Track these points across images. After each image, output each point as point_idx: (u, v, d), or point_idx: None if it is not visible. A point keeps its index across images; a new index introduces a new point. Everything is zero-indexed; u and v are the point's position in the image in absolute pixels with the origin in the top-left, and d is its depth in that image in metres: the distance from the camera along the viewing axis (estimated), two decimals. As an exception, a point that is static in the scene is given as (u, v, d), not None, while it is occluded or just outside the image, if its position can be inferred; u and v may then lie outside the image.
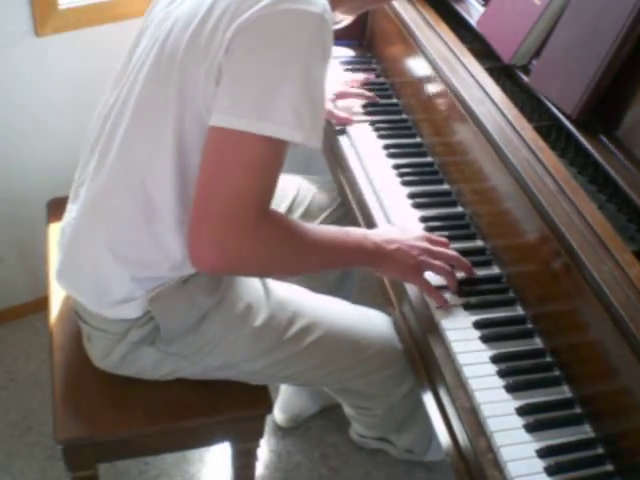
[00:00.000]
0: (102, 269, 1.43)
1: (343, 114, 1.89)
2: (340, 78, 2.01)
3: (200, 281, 1.45)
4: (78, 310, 1.52)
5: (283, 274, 1.46)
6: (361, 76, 2.05)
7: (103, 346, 1.50)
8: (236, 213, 1.22)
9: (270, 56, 1.20)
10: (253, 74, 1.21)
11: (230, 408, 1.54)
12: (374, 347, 1.58)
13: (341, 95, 1.95)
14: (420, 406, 1.59)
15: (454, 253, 1.47)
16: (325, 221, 1.86)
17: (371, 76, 2.07)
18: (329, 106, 1.86)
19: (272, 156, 1.23)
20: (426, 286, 1.43)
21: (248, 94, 1.20)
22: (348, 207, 1.78)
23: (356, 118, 1.92)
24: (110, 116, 1.41)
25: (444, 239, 1.51)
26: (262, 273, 1.47)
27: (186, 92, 1.28)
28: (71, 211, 1.50)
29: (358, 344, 1.57)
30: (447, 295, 1.43)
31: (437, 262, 1.44)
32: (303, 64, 1.21)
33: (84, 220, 1.45)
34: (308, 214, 1.86)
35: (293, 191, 1.87)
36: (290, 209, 1.84)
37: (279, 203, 1.82)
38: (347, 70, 2.11)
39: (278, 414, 2.17)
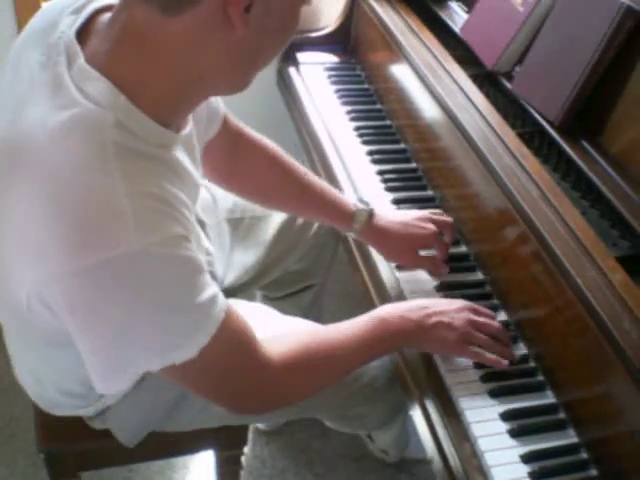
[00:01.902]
0: (34, 383, 1.37)
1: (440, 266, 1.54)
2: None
3: (153, 382, 1.31)
4: None
5: (331, 384, 1.31)
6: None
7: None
8: (242, 392, 1.17)
9: (112, 319, 0.98)
10: (111, 340, 1.00)
11: (214, 415, 1.53)
12: (366, 376, 1.50)
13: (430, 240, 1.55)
14: (402, 409, 1.59)
15: (498, 325, 1.37)
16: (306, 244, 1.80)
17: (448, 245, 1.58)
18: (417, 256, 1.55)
19: (216, 349, 1.05)
20: (476, 356, 1.33)
21: (123, 355, 1.02)
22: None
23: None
24: None
25: (488, 311, 1.39)
26: (305, 399, 1.32)
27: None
28: None
29: (349, 376, 1.43)
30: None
31: (482, 335, 1.33)
32: (153, 305, 0.98)
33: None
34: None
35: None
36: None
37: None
38: (331, 77, 2.11)
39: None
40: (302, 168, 1.57)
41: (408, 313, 1.31)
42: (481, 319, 1.35)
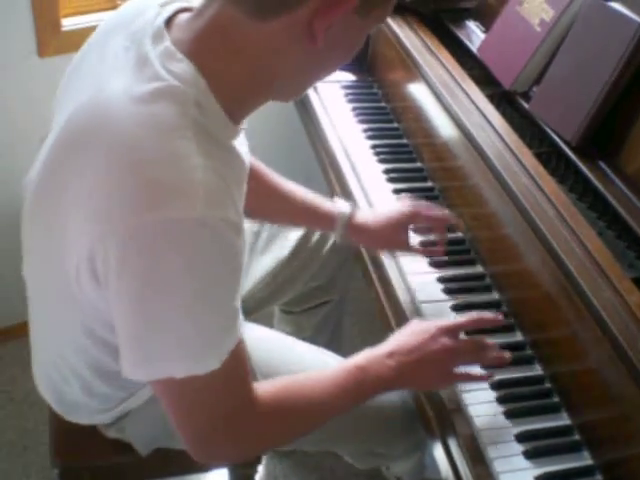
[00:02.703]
0: (61, 390, 1.36)
1: (428, 250, 1.60)
2: (401, 206, 1.64)
3: None
4: None
5: (308, 433, 1.28)
6: (425, 206, 1.63)
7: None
8: (222, 431, 1.13)
9: (154, 290, 0.98)
10: (145, 318, 1.00)
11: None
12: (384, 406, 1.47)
13: (410, 220, 1.60)
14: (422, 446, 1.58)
15: (474, 341, 1.33)
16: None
17: (446, 214, 1.62)
18: (403, 240, 1.59)
19: (220, 375, 1.04)
20: (467, 379, 1.32)
21: (148, 343, 1.02)
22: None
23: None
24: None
25: (461, 321, 1.33)
26: (283, 445, 1.37)
27: (56, 268, 1.10)
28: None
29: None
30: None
31: (466, 356, 1.29)
32: (195, 287, 0.98)
33: (34, 342, 1.39)
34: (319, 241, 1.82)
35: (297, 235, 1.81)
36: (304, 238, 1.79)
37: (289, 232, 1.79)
38: (348, 95, 2.12)
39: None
40: (280, 178, 1.59)
41: (386, 360, 1.26)
42: (457, 343, 1.29)
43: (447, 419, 1.30)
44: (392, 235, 1.58)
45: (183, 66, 1.00)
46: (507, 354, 1.31)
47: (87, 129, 1.03)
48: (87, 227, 0.99)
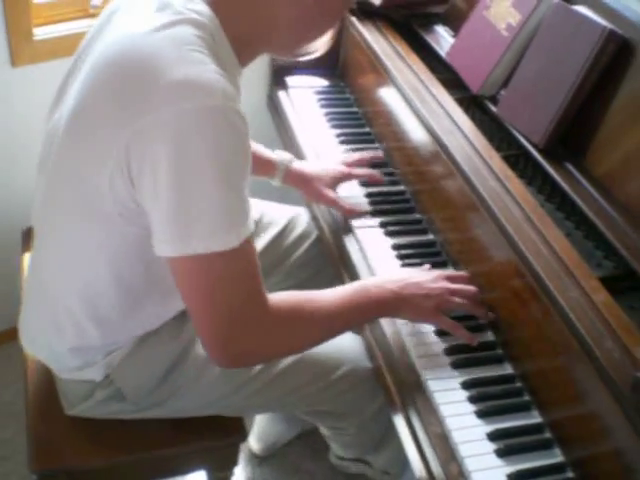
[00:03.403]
0: (50, 339, 1.43)
1: (348, 205, 1.75)
2: (339, 158, 1.86)
3: (159, 336, 1.45)
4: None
5: (311, 347, 1.42)
6: (366, 154, 1.88)
7: (71, 399, 1.50)
8: (235, 322, 1.22)
9: (185, 169, 1.11)
10: (172, 195, 1.13)
11: (205, 437, 1.54)
12: (344, 366, 1.58)
13: (345, 178, 1.80)
14: (394, 426, 1.61)
15: (473, 289, 1.45)
16: (307, 251, 1.87)
17: (379, 154, 1.91)
18: (332, 195, 1.75)
19: (234, 261, 1.18)
20: (451, 326, 1.41)
21: (176, 217, 1.14)
22: (322, 236, 1.80)
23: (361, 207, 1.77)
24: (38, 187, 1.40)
25: (462, 274, 1.49)
26: (288, 355, 1.48)
27: (89, 195, 1.24)
28: (29, 264, 1.50)
29: (328, 366, 1.57)
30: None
31: (457, 299, 1.42)
32: (220, 166, 1.13)
33: (31, 286, 1.47)
34: (294, 244, 1.87)
35: (283, 221, 1.88)
36: (278, 238, 1.85)
37: (267, 229, 1.83)
38: (321, 100, 2.13)
39: (254, 443, 2.17)
40: None
41: (387, 284, 1.41)
42: (454, 286, 1.44)
43: (415, 412, 1.33)
44: (322, 189, 1.75)
45: (200, 7, 1.19)
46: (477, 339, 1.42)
47: (116, 58, 1.18)
48: (122, 131, 1.13)
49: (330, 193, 1.76)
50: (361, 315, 1.41)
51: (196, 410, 1.54)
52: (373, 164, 1.86)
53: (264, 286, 1.25)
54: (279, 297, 1.30)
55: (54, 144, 1.31)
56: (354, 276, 1.60)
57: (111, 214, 1.23)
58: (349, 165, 1.82)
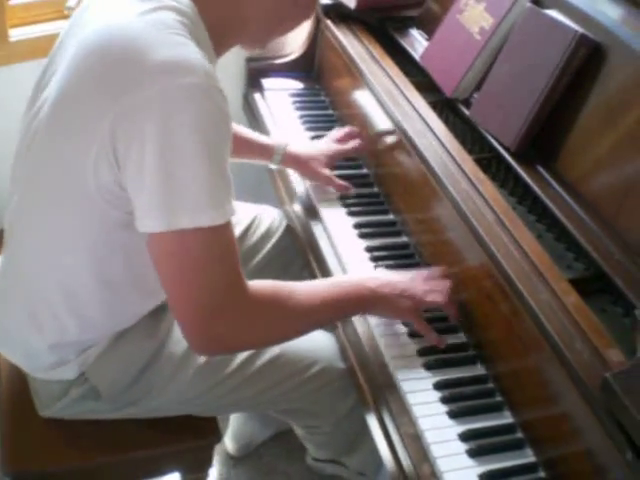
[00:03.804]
0: (27, 339, 1.42)
1: (341, 183, 1.81)
2: (330, 135, 1.93)
3: (135, 333, 1.46)
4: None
5: (288, 339, 1.43)
6: (350, 128, 1.95)
7: (45, 399, 1.49)
8: (213, 306, 1.22)
9: (165, 146, 1.13)
10: (154, 170, 1.14)
11: (179, 439, 1.54)
12: (317, 365, 1.59)
13: (337, 155, 1.88)
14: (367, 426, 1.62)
15: (448, 284, 1.46)
16: (272, 249, 1.88)
17: (355, 128, 1.96)
18: (327, 172, 1.82)
19: (217, 240, 1.20)
20: (423, 328, 1.43)
21: (162, 192, 1.15)
22: (295, 237, 1.80)
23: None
24: (16, 167, 1.41)
25: (439, 268, 1.50)
26: (265, 345, 1.48)
27: (72, 181, 1.25)
28: (1, 262, 1.49)
29: (301, 364, 1.58)
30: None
31: (431, 298, 1.44)
32: (204, 142, 1.15)
33: (7, 288, 1.45)
34: (259, 242, 1.88)
35: (247, 220, 1.88)
36: (243, 237, 1.86)
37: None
38: (296, 102, 2.14)
39: (229, 443, 2.17)
40: None
41: (365, 281, 1.43)
42: (432, 286, 1.46)
43: (388, 412, 1.34)
44: (317, 168, 1.82)
45: None
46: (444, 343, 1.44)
47: (100, 44, 1.19)
48: (105, 114, 1.15)
49: (325, 172, 1.82)
50: (338, 310, 1.42)
51: (171, 409, 1.54)
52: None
53: (243, 273, 1.26)
54: (259, 284, 1.30)
55: (36, 134, 1.31)
56: (326, 275, 1.62)
57: (94, 198, 1.23)
58: (340, 141, 1.90)
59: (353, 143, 1.89)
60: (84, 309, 1.38)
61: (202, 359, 1.50)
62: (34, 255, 1.37)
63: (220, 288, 1.22)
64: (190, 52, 1.16)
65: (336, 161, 1.87)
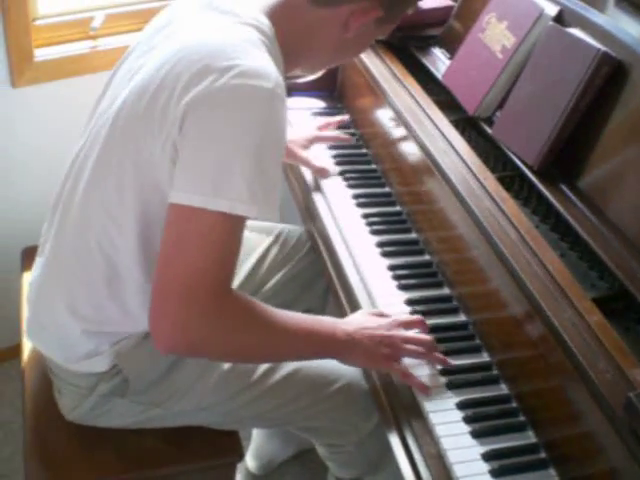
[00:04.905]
0: (64, 327, 1.45)
1: (320, 164, 1.90)
2: (312, 123, 2.05)
3: None
4: (48, 363, 1.54)
5: (250, 359, 1.44)
6: (335, 118, 2.07)
7: (72, 399, 1.51)
8: (194, 290, 1.22)
9: (223, 133, 1.21)
10: (207, 152, 1.22)
11: (200, 456, 1.55)
12: (340, 382, 1.59)
13: (315, 140, 1.98)
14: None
15: (428, 338, 1.44)
16: (293, 269, 1.88)
17: (345, 117, 2.09)
18: (304, 154, 1.90)
19: (228, 231, 1.23)
20: (402, 374, 1.40)
21: (203, 171, 1.21)
22: (318, 256, 1.80)
23: (330, 169, 1.93)
24: (71, 174, 1.43)
25: (418, 318, 1.49)
26: (226, 356, 1.43)
27: (142, 162, 1.30)
28: (37, 266, 1.52)
29: (324, 379, 1.58)
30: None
31: (411, 347, 1.42)
32: (256, 140, 1.21)
33: (46, 279, 1.47)
34: (281, 261, 1.89)
35: (270, 238, 1.89)
36: (265, 255, 1.87)
37: (249, 252, 1.84)
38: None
39: (251, 461, 2.17)
40: None
41: (341, 324, 1.42)
42: (409, 334, 1.44)
43: (415, 437, 1.32)
44: (296, 149, 1.90)
45: (262, 18, 1.35)
46: (450, 362, 1.43)
47: (194, 48, 1.28)
48: (179, 103, 1.23)
49: (303, 153, 1.91)
50: (309, 343, 1.40)
51: (192, 416, 1.55)
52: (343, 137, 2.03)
53: (232, 279, 1.28)
54: (240, 292, 1.33)
55: (110, 122, 1.36)
56: (349, 293, 1.62)
57: (153, 176, 1.30)
58: (320, 128, 2.02)
59: (331, 133, 2.02)
60: (125, 297, 1.41)
61: (227, 365, 1.51)
62: (83, 240, 1.39)
63: (210, 276, 1.23)
64: (267, 64, 1.26)
65: (312, 145, 1.96)
